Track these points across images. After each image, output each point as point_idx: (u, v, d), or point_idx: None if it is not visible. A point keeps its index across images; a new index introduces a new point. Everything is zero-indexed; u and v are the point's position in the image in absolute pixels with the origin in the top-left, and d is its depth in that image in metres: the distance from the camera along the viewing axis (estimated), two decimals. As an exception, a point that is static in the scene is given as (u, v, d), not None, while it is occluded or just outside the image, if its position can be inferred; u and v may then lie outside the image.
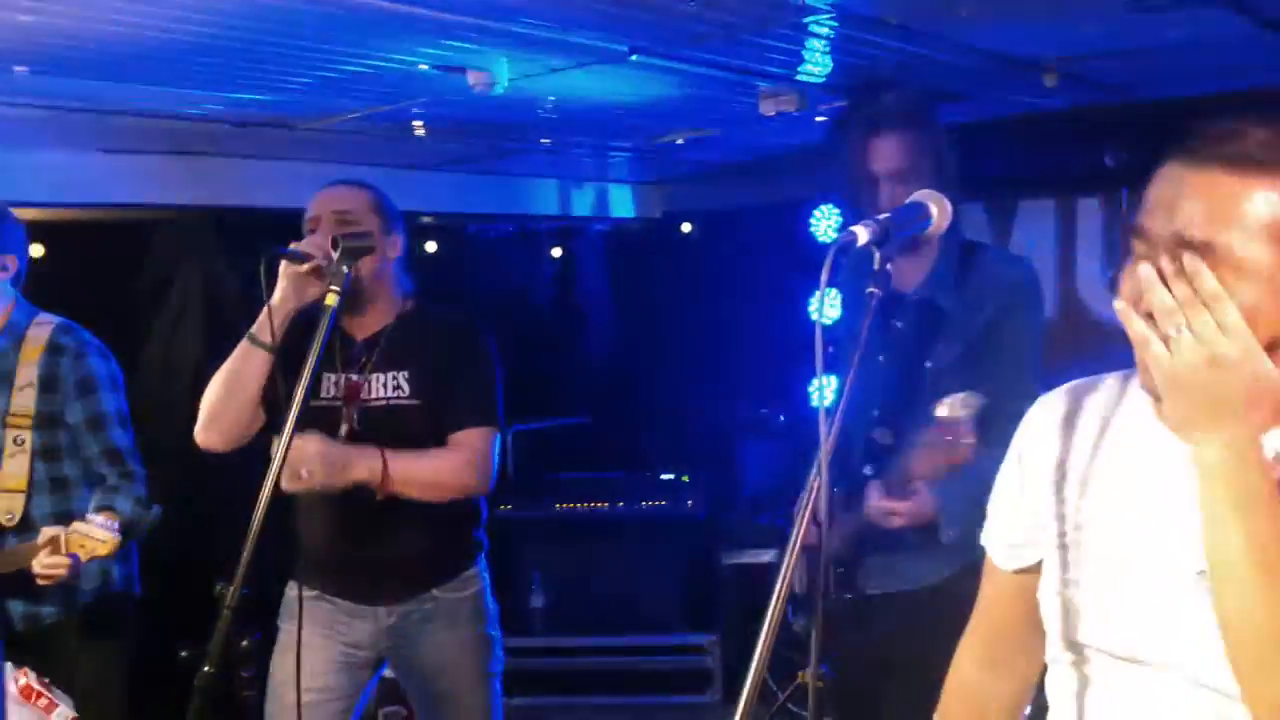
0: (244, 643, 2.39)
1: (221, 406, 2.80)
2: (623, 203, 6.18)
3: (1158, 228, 1.32)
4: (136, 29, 2.61)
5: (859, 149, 2.84)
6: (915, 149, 2.80)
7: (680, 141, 4.69)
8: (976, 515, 1.72)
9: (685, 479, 5.42)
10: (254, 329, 2.77)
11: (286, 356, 2.71)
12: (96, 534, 2.82)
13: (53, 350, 3.07)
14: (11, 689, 2.37)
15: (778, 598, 1.56)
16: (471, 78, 3.17)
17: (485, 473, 2.88)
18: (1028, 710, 1.73)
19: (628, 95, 3.68)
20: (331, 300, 2.51)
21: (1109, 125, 4.50)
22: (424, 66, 3.10)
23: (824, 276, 1.57)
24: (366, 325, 2.91)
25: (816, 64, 3.40)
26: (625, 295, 6.52)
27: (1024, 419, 1.60)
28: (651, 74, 3.37)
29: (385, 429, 2.84)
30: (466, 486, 2.90)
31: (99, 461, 3.09)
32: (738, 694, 1.53)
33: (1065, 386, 1.59)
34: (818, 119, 4.01)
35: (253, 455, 2.76)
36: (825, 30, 3.03)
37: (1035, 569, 1.55)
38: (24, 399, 3.03)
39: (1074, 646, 1.49)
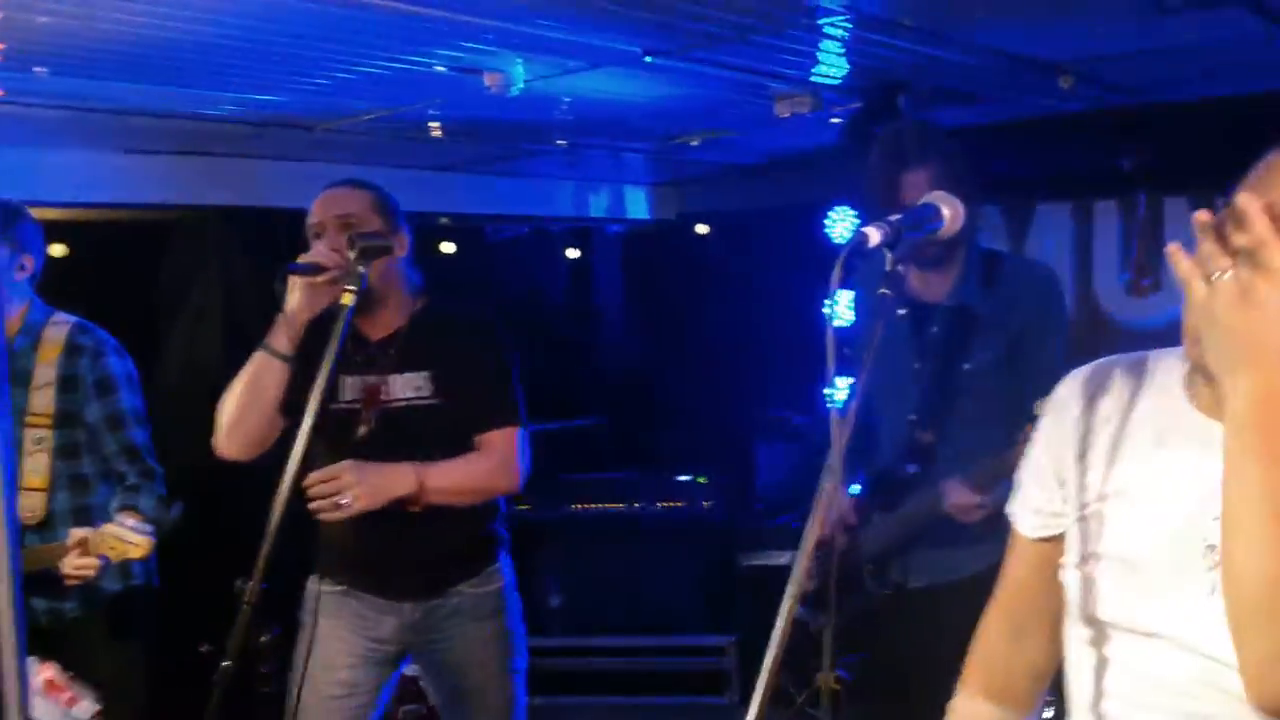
0: (263, 638, 2.41)
1: (240, 417, 2.81)
2: (638, 204, 6.19)
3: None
4: (155, 30, 2.63)
5: (886, 181, 2.87)
6: (945, 177, 2.84)
7: (695, 143, 4.70)
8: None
9: (701, 480, 5.41)
10: (269, 339, 2.78)
11: (303, 360, 2.73)
12: (129, 537, 2.83)
13: (71, 350, 3.09)
14: (36, 683, 2.39)
15: (790, 601, 1.57)
16: (487, 79, 3.18)
17: (515, 474, 2.90)
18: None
19: (642, 97, 3.69)
20: (348, 300, 2.51)
21: (1126, 128, 4.49)
22: (440, 68, 3.11)
23: (835, 277, 1.58)
24: (381, 326, 2.90)
25: (831, 66, 3.41)
26: (641, 297, 6.52)
27: (1054, 391, 1.61)
28: (666, 76, 3.38)
29: (405, 429, 2.85)
30: (502, 489, 2.93)
31: (117, 459, 3.11)
32: (767, 698, 1.53)
33: (1095, 362, 1.59)
34: (832, 120, 4.01)
35: (271, 453, 2.78)
36: (840, 32, 3.03)
37: (1058, 539, 1.55)
38: (43, 398, 3.05)
39: (1092, 622, 1.49)
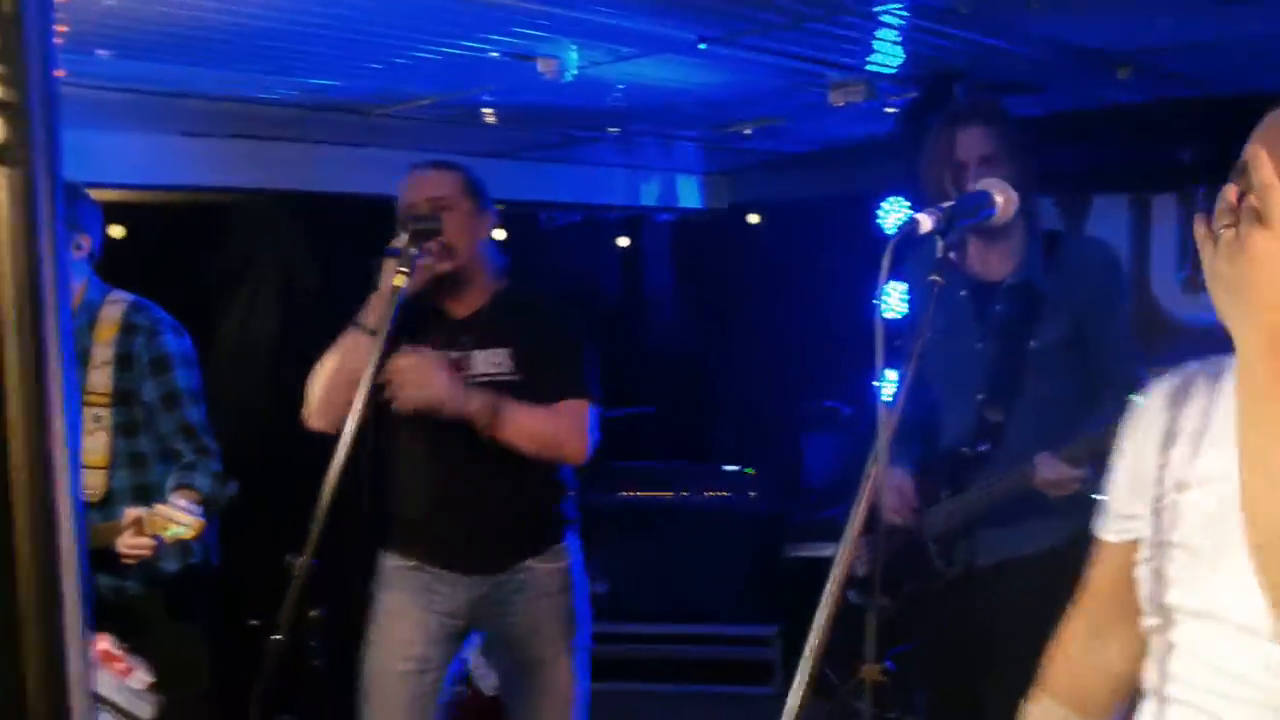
0: (313, 613, 2.44)
1: (330, 391, 2.87)
2: (690, 193, 6.18)
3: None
4: (214, 13, 2.66)
5: (943, 141, 2.90)
6: (999, 138, 2.87)
7: (748, 132, 4.69)
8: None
9: (749, 471, 5.41)
10: (360, 316, 2.85)
11: (392, 339, 2.80)
12: (180, 517, 2.86)
13: (127, 329, 3.12)
14: (92, 653, 2.43)
15: (832, 591, 1.57)
16: (541, 65, 3.19)
17: (584, 443, 2.94)
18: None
19: (696, 84, 3.68)
20: (400, 282, 2.57)
21: (1185, 120, 4.43)
22: (495, 54, 3.13)
23: (885, 265, 1.57)
24: (465, 304, 2.96)
25: (886, 54, 3.39)
26: (691, 286, 6.52)
27: (1138, 399, 1.61)
28: (720, 63, 3.37)
29: None
30: (569, 449, 2.95)
31: (174, 437, 3.14)
32: (808, 687, 1.53)
33: (1178, 368, 1.59)
34: (887, 110, 3.99)
35: (326, 433, 2.81)
36: (896, 20, 3.02)
37: (1138, 543, 1.55)
38: (101, 377, 3.09)
39: (1160, 609, 1.49)
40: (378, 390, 2.66)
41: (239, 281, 4.78)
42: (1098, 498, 1.69)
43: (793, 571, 5.10)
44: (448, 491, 2.94)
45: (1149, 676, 1.53)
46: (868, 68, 3.53)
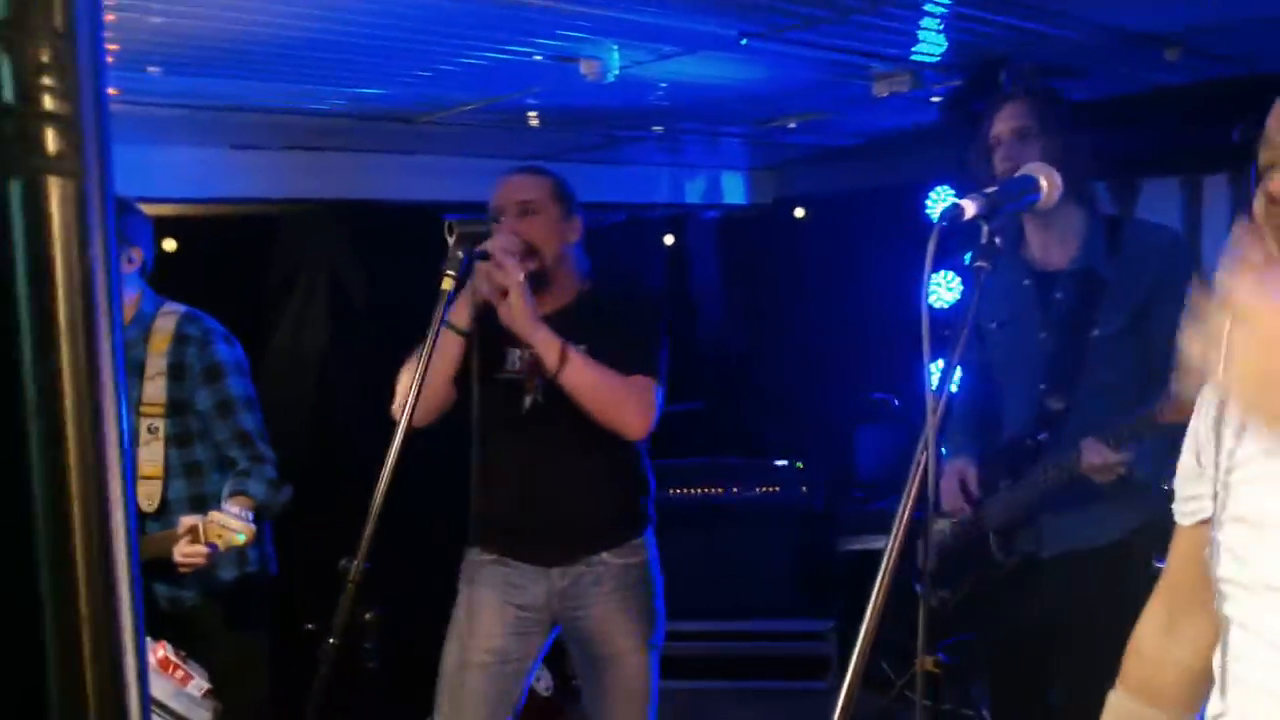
0: (367, 616, 2.47)
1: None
2: (735, 189, 6.18)
3: None
4: (262, 28, 2.69)
5: (986, 120, 2.90)
6: (1037, 112, 2.83)
7: (792, 126, 4.68)
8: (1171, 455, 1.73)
9: (800, 465, 5.40)
10: (448, 315, 2.90)
11: (478, 339, 2.94)
12: (233, 524, 2.88)
13: (179, 339, 3.15)
14: (150, 659, 2.46)
15: (882, 585, 1.57)
16: (584, 66, 3.20)
17: (646, 416, 2.96)
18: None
19: (739, 80, 3.68)
20: (447, 285, 2.60)
21: (1235, 99, 4.35)
22: (538, 57, 3.14)
23: (930, 252, 1.57)
24: (547, 303, 3.00)
25: (930, 43, 3.37)
26: (739, 281, 6.51)
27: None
28: (763, 58, 3.36)
29: (567, 400, 2.93)
30: (629, 417, 2.95)
31: (229, 445, 3.17)
32: (857, 680, 1.53)
33: None
34: (932, 99, 3.97)
35: (379, 439, 2.84)
36: (940, 9, 3.00)
37: (1209, 523, 1.55)
38: (155, 388, 3.12)
39: (1219, 582, 1.49)
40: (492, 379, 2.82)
41: (291, 290, 4.83)
42: (1166, 488, 1.68)
43: (846, 565, 5.09)
44: (531, 484, 3.00)
45: (1215, 659, 1.52)
46: (912, 58, 3.50)
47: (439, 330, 2.57)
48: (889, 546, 1.59)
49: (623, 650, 3.07)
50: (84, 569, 0.64)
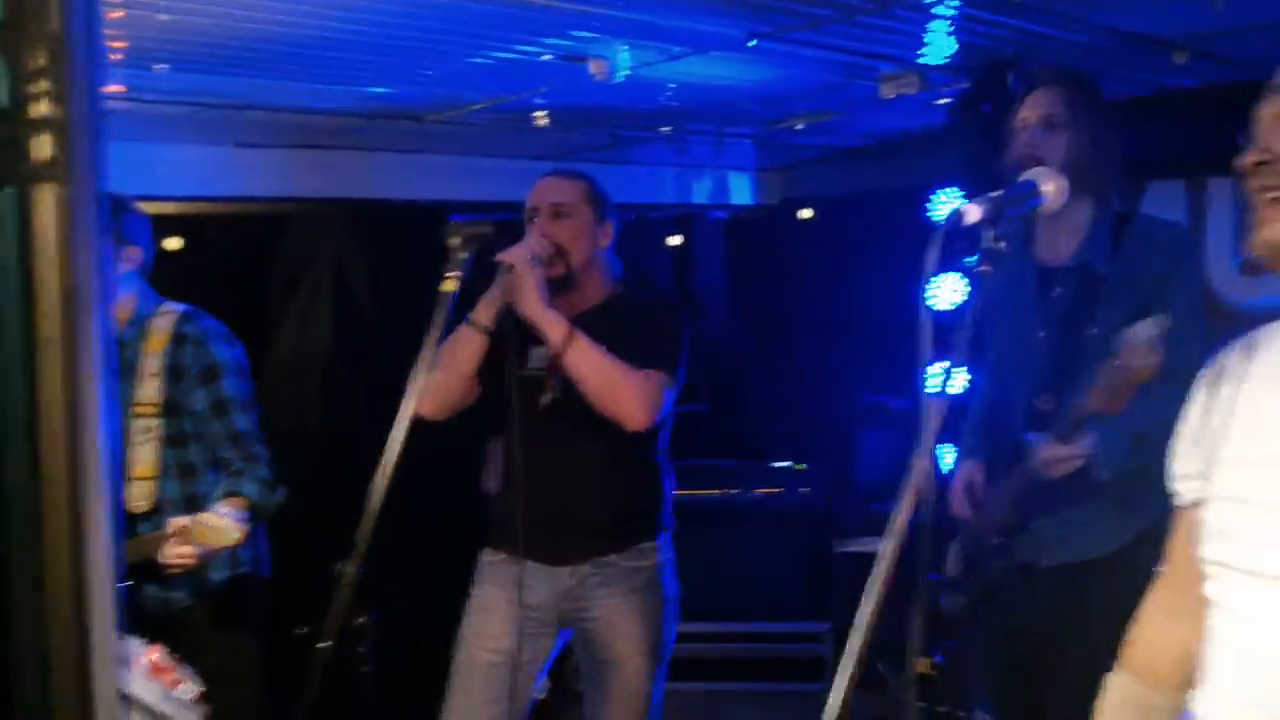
0: (360, 619, 2.45)
1: (438, 380, 2.94)
2: (742, 190, 6.17)
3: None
4: (270, 25, 2.69)
5: (1018, 103, 2.82)
6: (1066, 100, 2.77)
7: (800, 127, 4.67)
8: (1136, 455, 1.73)
9: (801, 467, 5.39)
10: (473, 314, 2.98)
11: (504, 340, 2.98)
12: (224, 525, 2.84)
13: (177, 340, 3.12)
14: (141, 664, 2.44)
15: (876, 587, 1.58)
16: (592, 66, 3.20)
17: (648, 408, 2.95)
18: None
19: (747, 81, 3.67)
20: (450, 286, 2.60)
21: (1241, 103, 4.34)
22: (547, 56, 3.14)
23: (932, 255, 1.58)
24: (574, 304, 3.02)
25: (938, 45, 3.36)
26: (744, 282, 6.50)
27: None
28: (770, 59, 3.36)
29: (584, 399, 2.94)
30: (630, 405, 2.94)
31: (223, 446, 3.12)
32: (852, 683, 1.54)
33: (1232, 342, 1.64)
34: (939, 101, 3.96)
35: (382, 439, 2.84)
36: (948, 10, 2.99)
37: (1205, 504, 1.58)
38: (150, 388, 3.09)
39: (1201, 562, 1.53)
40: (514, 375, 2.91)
41: (296, 290, 4.83)
42: (1166, 494, 1.69)
43: (845, 567, 5.07)
44: (543, 481, 3.00)
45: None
46: (919, 59, 3.50)
47: (457, 327, 2.61)
48: (883, 551, 1.60)
49: (623, 655, 3.06)
50: (61, 582, 0.64)
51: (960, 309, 3.06)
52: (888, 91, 3.66)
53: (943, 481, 3.07)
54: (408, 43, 2.95)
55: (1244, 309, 4.65)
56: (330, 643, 2.36)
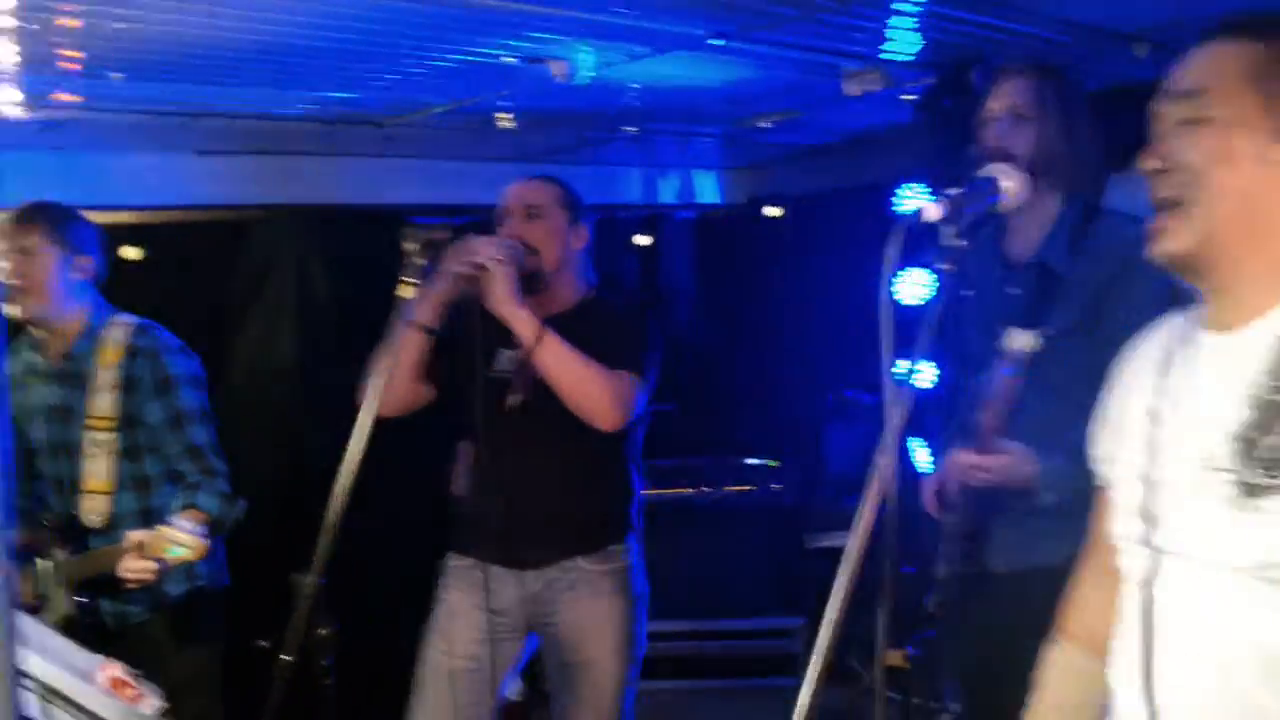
0: (322, 631, 2.42)
1: (383, 381, 2.89)
2: (708, 189, 6.16)
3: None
4: (225, 32, 2.66)
5: (985, 100, 2.74)
6: (1036, 91, 2.68)
7: (765, 125, 4.66)
8: (1082, 476, 1.73)
9: (772, 464, 5.40)
10: (413, 313, 2.92)
11: (455, 343, 2.96)
12: (182, 539, 2.81)
13: (131, 352, 3.09)
14: (100, 679, 2.40)
15: (845, 582, 1.59)
16: (553, 68, 3.18)
17: (622, 408, 2.94)
18: None
19: (710, 80, 3.66)
20: (407, 292, 2.58)
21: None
22: (508, 59, 3.12)
23: (890, 255, 1.61)
24: (545, 307, 3.00)
25: (901, 42, 3.36)
26: (712, 281, 6.49)
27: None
28: (732, 58, 3.35)
29: (552, 401, 2.93)
30: (602, 404, 2.92)
31: (180, 459, 3.10)
32: (824, 678, 1.55)
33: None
34: (904, 98, 3.95)
35: (343, 449, 2.81)
36: (910, 7, 2.99)
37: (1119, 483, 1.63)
38: (105, 401, 3.06)
39: (1109, 538, 1.60)
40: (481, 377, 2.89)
41: (256, 298, 4.78)
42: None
43: (817, 563, 5.06)
44: (508, 484, 2.98)
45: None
46: (883, 56, 3.49)
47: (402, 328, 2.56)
48: (849, 548, 1.62)
49: (593, 657, 3.04)
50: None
51: (927, 304, 3.04)
52: (852, 88, 3.64)
53: (915, 477, 3.04)
54: (366, 47, 2.92)
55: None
56: (292, 658, 2.32)
